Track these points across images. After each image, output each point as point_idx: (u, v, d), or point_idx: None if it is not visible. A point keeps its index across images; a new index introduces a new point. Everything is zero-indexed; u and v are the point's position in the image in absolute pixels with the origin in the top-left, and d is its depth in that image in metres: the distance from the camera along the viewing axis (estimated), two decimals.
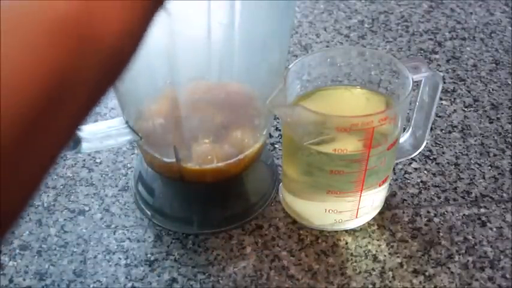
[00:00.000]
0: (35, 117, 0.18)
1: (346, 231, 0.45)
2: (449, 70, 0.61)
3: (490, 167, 0.50)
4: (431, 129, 0.53)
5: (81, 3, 0.19)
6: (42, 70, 0.18)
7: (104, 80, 0.21)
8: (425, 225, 0.45)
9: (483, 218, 0.46)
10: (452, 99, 0.57)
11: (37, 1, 0.18)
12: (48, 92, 0.18)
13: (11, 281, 0.42)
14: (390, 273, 0.42)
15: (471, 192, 0.48)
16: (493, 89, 0.58)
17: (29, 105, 0.17)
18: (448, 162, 0.51)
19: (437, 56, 0.63)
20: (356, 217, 0.44)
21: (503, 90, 0.58)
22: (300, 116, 0.38)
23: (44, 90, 0.18)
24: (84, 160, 0.51)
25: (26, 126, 0.18)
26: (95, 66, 0.19)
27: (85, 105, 0.20)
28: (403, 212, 0.46)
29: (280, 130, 0.54)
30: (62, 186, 0.49)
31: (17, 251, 0.44)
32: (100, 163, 0.51)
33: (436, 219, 0.46)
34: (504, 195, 0.48)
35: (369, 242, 0.44)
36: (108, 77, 0.21)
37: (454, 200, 0.47)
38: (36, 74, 0.18)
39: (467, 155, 0.51)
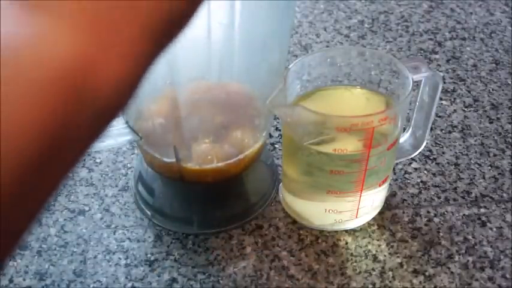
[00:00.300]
0: (31, 166, 0.17)
1: (346, 231, 0.45)
2: (449, 70, 0.61)
3: (490, 167, 0.50)
4: (431, 129, 0.53)
5: (76, 57, 0.18)
6: (38, 123, 0.17)
7: (99, 126, 0.20)
8: (425, 225, 0.45)
9: (483, 218, 0.46)
10: (452, 99, 0.57)
11: (32, 52, 0.17)
12: (43, 143, 0.17)
13: (11, 281, 0.42)
14: (390, 273, 0.42)
15: (471, 192, 0.48)
16: (493, 89, 0.58)
17: (26, 155, 0.17)
18: (448, 162, 0.51)
19: (437, 56, 0.63)
20: (356, 217, 0.44)
21: (503, 90, 0.58)
22: (300, 116, 0.38)
23: (40, 142, 0.17)
24: (84, 160, 0.51)
25: (23, 174, 0.17)
26: (91, 116, 0.19)
27: (79, 151, 0.20)
28: (403, 212, 0.46)
29: (280, 130, 0.54)
30: (62, 186, 0.49)
31: (17, 251, 0.44)
32: (100, 163, 0.51)
33: (436, 219, 0.46)
34: (504, 195, 0.48)
35: (369, 242, 0.44)
36: (103, 123, 0.20)
37: (454, 200, 0.47)
38: (33, 127, 0.17)
39: (467, 155, 0.51)
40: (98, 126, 0.20)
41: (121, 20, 0.19)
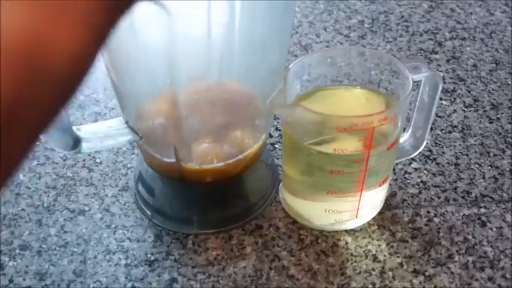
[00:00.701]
0: None
1: (346, 231, 0.45)
2: (449, 70, 0.61)
3: (490, 167, 0.50)
4: (431, 129, 0.54)
5: (27, 29, 0.18)
6: None
7: (55, 102, 0.21)
8: (425, 225, 0.45)
9: (483, 218, 0.46)
10: (452, 99, 0.57)
11: None
12: (4, 109, 0.18)
13: (11, 281, 0.42)
14: (390, 273, 0.42)
15: (471, 192, 0.48)
16: (493, 89, 0.58)
17: None
18: (448, 162, 0.51)
19: (437, 56, 0.63)
20: (356, 217, 0.44)
21: (503, 90, 0.58)
22: (300, 116, 0.37)
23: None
24: (84, 160, 0.51)
25: None
26: (46, 91, 0.19)
27: (36, 128, 0.20)
28: (403, 212, 0.46)
29: (280, 130, 0.54)
30: (62, 186, 0.49)
31: (17, 251, 0.44)
32: (100, 163, 0.51)
33: (436, 219, 0.46)
34: (504, 195, 0.48)
35: (369, 242, 0.44)
36: (59, 100, 0.21)
37: (454, 200, 0.47)
38: None
39: (467, 155, 0.51)
40: (60, 96, 0.21)
41: None
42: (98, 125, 0.43)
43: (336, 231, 0.45)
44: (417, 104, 0.44)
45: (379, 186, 0.42)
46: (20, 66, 0.18)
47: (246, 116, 0.43)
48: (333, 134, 0.39)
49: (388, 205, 0.47)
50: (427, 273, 0.42)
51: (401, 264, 0.42)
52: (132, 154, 0.52)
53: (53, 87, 0.20)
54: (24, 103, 0.19)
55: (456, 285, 0.41)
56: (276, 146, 0.53)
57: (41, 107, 0.20)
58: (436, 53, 0.63)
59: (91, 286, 0.41)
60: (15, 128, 0.19)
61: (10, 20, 0.18)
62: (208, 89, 0.40)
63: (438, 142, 0.53)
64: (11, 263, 0.43)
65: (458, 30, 0.67)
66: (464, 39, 0.65)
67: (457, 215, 0.46)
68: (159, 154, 0.42)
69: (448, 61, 0.62)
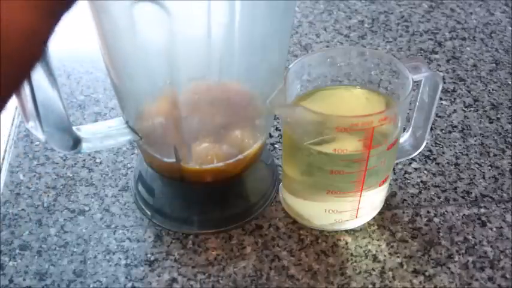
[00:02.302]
0: None
1: (346, 231, 0.45)
2: (449, 70, 0.61)
3: (490, 167, 0.50)
4: (431, 129, 0.54)
5: None
6: None
7: (16, 73, 0.22)
8: (425, 225, 0.45)
9: (483, 218, 0.46)
10: (452, 99, 0.57)
11: None
12: None
13: (11, 281, 0.42)
14: (390, 273, 0.42)
15: (471, 192, 0.48)
16: (493, 89, 0.58)
17: None
18: (448, 162, 0.51)
19: (437, 56, 0.63)
20: (356, 217, 0.44)
21: (503, 90, 0.58)
22: (300, 116, 0.38)
23: None
24: (84, 160, 0.51)
25: None
26: (5, 61, 0.21)
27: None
28: (403, 212, 0.46)
29: (280, 130, 0.54)
30: (62, 186, 0.49)
31: (17, 251, 0.44)
32: (100, 163, 0.51)
33: (436, 219, 0.46)
34: (504, 195, 0.48)
35: (369, 242, 0.44)
36: (15, 75, 0.23)
37: (454, 200, 0.47)
38: None
39: (467, 155, 0.51)
40: (14, 74, 0.22)
41: None
42: (98, 125, 0.43)
43: (336, 231, 0.45)
44: (417, 104, 0.44)
45: (379, 186, 0.42)
46: None
47: (246, 116, 0.43)
48: (333, 134, 0.39)
49: (388, 205, 0.47)
50: (427, 273, 0.42)
51: (401, 264, 0.42)
52: (132, 154, 0.52)
53: (11, 63, 0.21)
54: None
55: (456, 285, 0.41)
56: (276, 146, 0.53)
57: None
58: (436, 53, 0.63)
59: (91, 286, 0.41)
60: None
61: None
62: (208, 89, 0.40)
63: (438, 142, 0.53)
64: (11, 263, 0.43)
65: (458, 30, 0.67)
66: (464, 39, 0.65)
67: (457, 215, 0.46)
68: (159, 154, 0.42)
69: (448, 61, 0.62)
